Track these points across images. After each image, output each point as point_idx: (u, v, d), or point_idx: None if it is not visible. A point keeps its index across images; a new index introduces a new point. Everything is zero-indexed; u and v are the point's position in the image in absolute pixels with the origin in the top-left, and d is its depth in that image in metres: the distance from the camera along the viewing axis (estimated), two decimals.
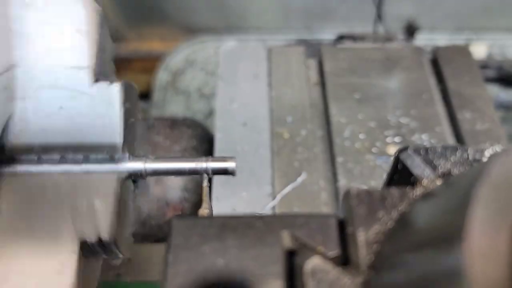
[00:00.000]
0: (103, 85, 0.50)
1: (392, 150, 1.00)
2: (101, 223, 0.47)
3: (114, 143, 0.50)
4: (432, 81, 1.13)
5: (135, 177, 0.51)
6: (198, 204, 1.11)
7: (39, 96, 0.50)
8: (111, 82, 0.51)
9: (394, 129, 1.03)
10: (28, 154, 0.50)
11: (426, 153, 0.36)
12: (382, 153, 0.99)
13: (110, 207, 0.48)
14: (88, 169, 0.50)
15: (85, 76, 0.50)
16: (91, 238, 0.47)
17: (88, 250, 0.48)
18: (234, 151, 1.03)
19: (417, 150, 0.36)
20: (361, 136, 1.02)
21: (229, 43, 1.24)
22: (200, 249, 0.32)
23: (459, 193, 0.26)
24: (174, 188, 1.12)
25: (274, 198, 0.94)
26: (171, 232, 0.32)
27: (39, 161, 0.50)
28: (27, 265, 0.45)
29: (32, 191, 0.49)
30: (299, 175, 0.97)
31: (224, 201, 0.95)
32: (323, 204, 0.93)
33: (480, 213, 0.22)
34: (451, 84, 1.10)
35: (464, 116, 1.04)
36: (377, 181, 0.94)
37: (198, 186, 1.13)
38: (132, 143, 0.54)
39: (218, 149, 1.03)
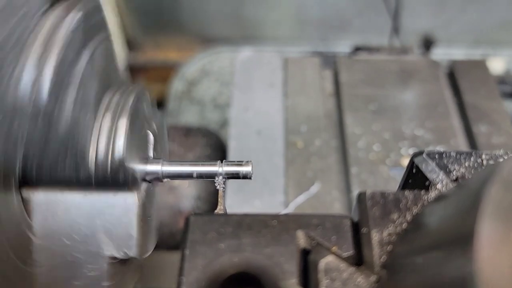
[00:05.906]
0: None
1: (406, 162, 0.99)
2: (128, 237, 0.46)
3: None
4: (447, 94, 1.13)
5: (152, 180, 0.52)
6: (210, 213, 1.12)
7: None
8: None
9: (408, 140, 1.03)
10: None
11: (440, 158, 0.36)
12: (396, 165, 0.99)
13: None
14: None
15: None
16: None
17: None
18: (247, 159, 1.03)
19: (431, 155, 0.36)
20: (376, 147, 1.02)
21: (245, 52, 1.25)
22: (216, 245, 0.32)
23: (471, 193, 0.25)
24: (187, 196, 1.12)
25: (286, 206, 0.94)
26: (188, 227, 0.33)
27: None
28: None
29: None
30: (313, 184, 0.97)
31: (237, 209, 0.95)
32: None
33: (491, 211, 0.22)
34: (467, 98, 1.10)
35: (480, 130, 1.03)
36: None
37: (210, 195, 1.14)
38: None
39: (231, 157, 1.04)
